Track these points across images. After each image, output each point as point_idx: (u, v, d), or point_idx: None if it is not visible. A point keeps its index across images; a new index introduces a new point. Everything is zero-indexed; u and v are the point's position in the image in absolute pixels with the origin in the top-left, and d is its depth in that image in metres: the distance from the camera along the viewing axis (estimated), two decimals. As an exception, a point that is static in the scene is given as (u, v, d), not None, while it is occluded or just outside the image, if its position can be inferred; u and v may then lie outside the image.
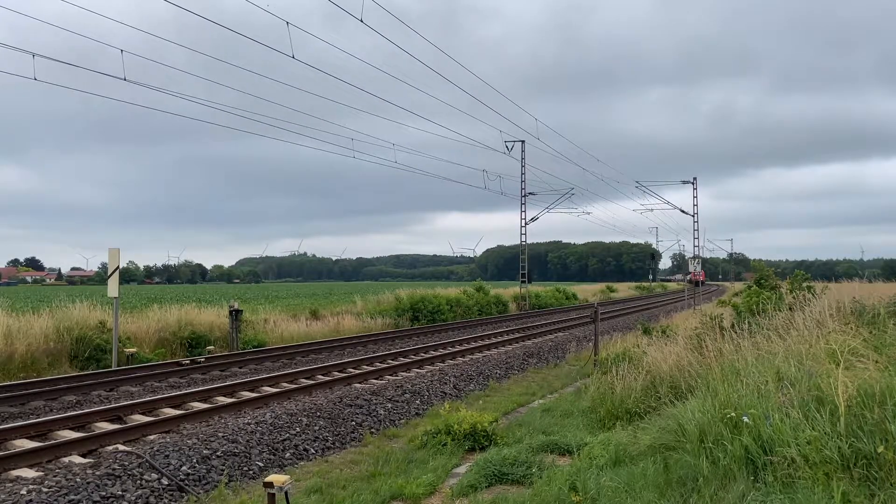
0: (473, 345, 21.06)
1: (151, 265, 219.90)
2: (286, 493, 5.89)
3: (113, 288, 16.52)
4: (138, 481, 7.56)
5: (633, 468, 6.50)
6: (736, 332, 9.80)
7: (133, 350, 17.20)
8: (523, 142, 42.42)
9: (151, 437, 9.32)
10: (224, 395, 12.50)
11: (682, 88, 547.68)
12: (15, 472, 7.72)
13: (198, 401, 11.96)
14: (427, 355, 18.35)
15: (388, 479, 7.91)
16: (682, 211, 48.18)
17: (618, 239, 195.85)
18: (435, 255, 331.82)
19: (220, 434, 9.32)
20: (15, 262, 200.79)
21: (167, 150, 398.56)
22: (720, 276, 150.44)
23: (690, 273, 47.91)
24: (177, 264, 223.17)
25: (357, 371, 15.45)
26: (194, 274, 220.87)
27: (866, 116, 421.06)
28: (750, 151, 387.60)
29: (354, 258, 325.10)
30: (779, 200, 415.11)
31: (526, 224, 43.69)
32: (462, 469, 8.25)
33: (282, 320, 25.40)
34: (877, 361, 6.53)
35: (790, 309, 10.57)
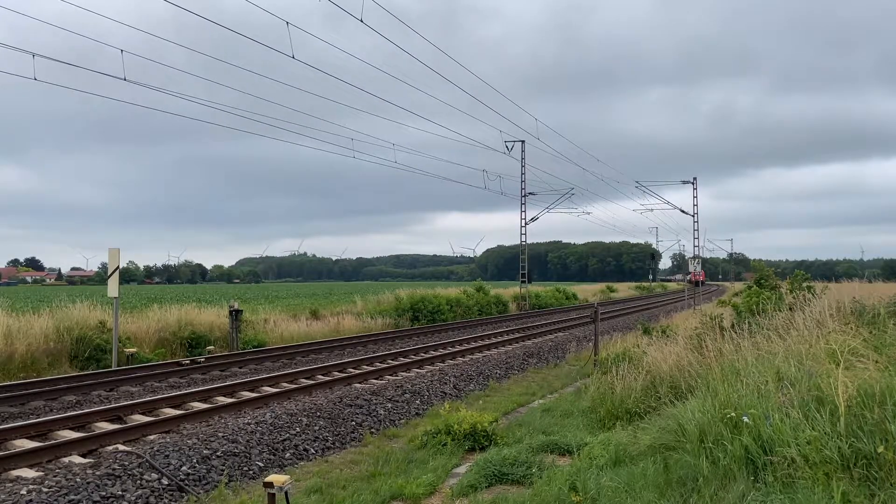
0: (473, 345, 21.06)
1: (151, 265, 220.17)
2: (286, 493, 5.89)
3: (113, 288, 16.52)
4: (138, 481, 7.57)
5: (633, 468, 6.50)
6: (736, 332, 9.81)
7: (133, 350, 17.20)
8: (523, 142, 42.45)
9: (151, 437, 9.33)
10: (224, 395, 12.50)
11: (682, 88, 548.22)
12: (15, 472, 7.72)
13: (198, 401, 11.96)
14: (427, 355, 18.35)
15: (388, 479, 7.91)
16: (682, 211, 48.22)
17: (618, 239, 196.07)
18: (435, 255, 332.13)
19: (220, 434, 9.32)
20: (15, 262, 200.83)
21: (167, 150, 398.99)
22: (720, 276, 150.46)
23: (690, 273, 47.93)
24: (177, 264, 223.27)
25: (357, 371, 15.45)
26: (194, 274, 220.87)
27: (866, 116, 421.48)
28: (750, 151, 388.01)
29: (354, 258, 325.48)
30: (779, 200, 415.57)
31: (526, 224, 43.73)
32: (462, 469, 8.25)
33: (282, 320, 25.41)
34: (877, 361, 6.53)
35: (790, 309, 10.57)
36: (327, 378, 14.35)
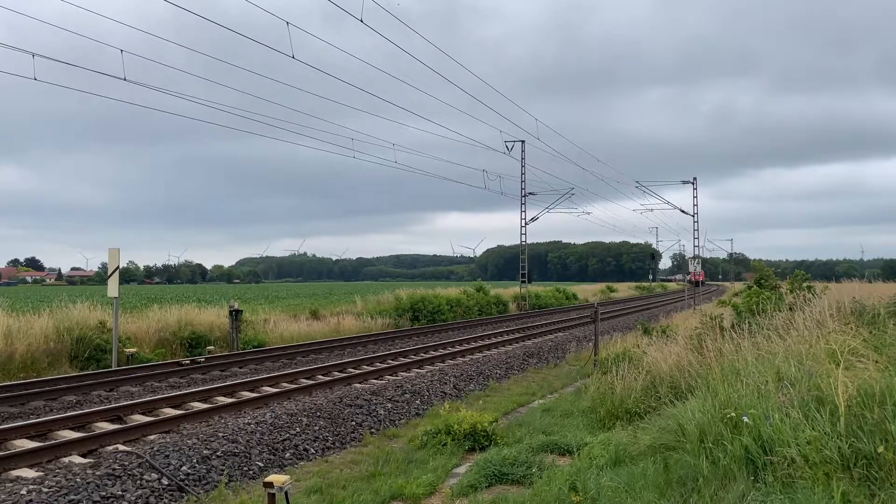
0: (473, 345, 21.06)
1: (151, 265, 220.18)
2: (286, 493, 5.89)
3: (113, 288, 16.52)
4: (138, 481, 7.57)
5: (633, 468, 6.50)
6: (736, 332, 9.80)
7: (133, 350, 17.21)
8: (523, 142, 42.46)
9: (151, 437, 9.32)
10: (224, 395, 12.50)
11: (682, 88, 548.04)
12: (15, 472, 7.72)
13: (198, 401, 11.96)
14: (427, 355, 18.35)
15: (388, 479, 7.91)
16: (682, 211, 48.22)
17: (618, 239, 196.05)
18: (435, 255, 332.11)
19: (220, 434, 9.32)
20: (15, 262, 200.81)
21: (167, 150, 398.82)
22: (720, 276, 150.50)
23: (690, 273, 47.92)
24: (177, 264, 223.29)
25: (357, 371, 15.45)
26: (194, 274, 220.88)
27: (866, 116, 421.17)
28: (750, 151, 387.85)
29: (354, 258, 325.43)
30: (779, 200, 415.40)
31: (526, 224, 43.73)
32: (462, 469, 8.25)
33: (282, 320, 25.41)
34: (877, 361, 6.53)
35: (790, 309, 10.57)
36: (327, 378, 14.35)
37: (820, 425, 5.29)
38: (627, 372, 10.45)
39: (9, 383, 13.27)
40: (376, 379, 14.71)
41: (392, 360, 17.66)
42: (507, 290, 46.58)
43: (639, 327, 20.11)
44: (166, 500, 7.45)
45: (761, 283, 15.13)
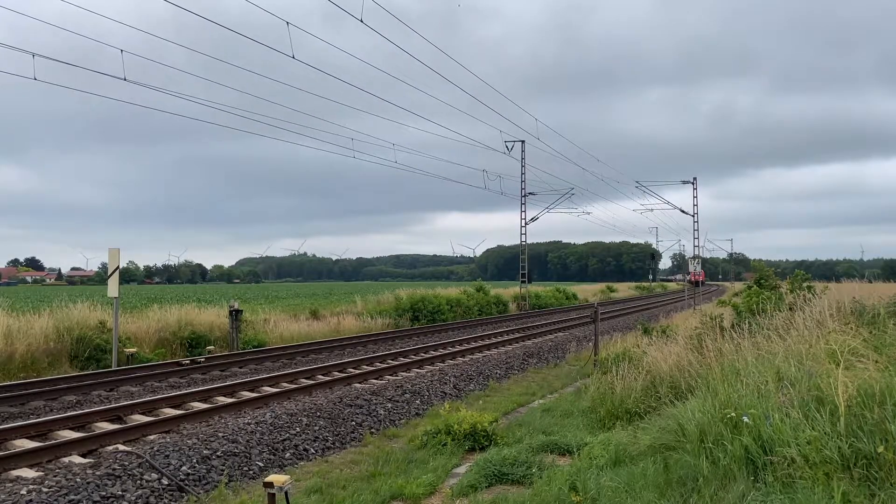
0: (473, 345, 21.06)
1: (151, 265, 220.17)
2: (286, 493, 5.89)
3: (113, 288, 16.52)
4: (138, 481, 7.57)
5: (633, 468, 6.50)
6: (736, 332, 9.80)
7: (133, 350, 17.21)
8: (523, 142, 42.46)
9: (151, 437, 9.32)
10: (224, 395, 12.50)
11: (682, 88, 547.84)
12: (15, 472, 7.72)
13: (198, 401, 11.96)
14: (427, 355, 18.35)
15: (388, 479, 7.92)
16: (682, 211, 48.19)
17: (618, 239, 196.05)
18: (435, 255, 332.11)
19: (220, 434, 9.32)
20: (15, 262, 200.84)
21: (167, 150, 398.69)
22: (720, 276, 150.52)
23: (690, 273, 47.92)
24: (177, 264, 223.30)
25: (357, 371, 15.45)
26: (194, 274, 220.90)
27: (866, 116, 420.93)
28: (750, 151, 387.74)
29: (354, 258, 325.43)
30: (779, 200, 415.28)
31: (526, 224, 43.73)
32: (462, 469, 8.25)
33: (282, 320, 25.41)
34: (877, 361, 6.53)
35: (790, 309, 10.57)
36: (327, 378, 14.35)
37: (820, 425, 5.29)
38: (627, 372, 10.45)
39: (9, 383, 13.27)
40: (376, 379, 14.71)
41: (392, 360, 17.66)
42: (507, 290, 46.58)
43: (639, 327, 20.11)
44: (166, 500, 7.45)
45: (761, 283, 15.13)
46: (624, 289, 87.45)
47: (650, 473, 6.12)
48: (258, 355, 18.18)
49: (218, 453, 8.67)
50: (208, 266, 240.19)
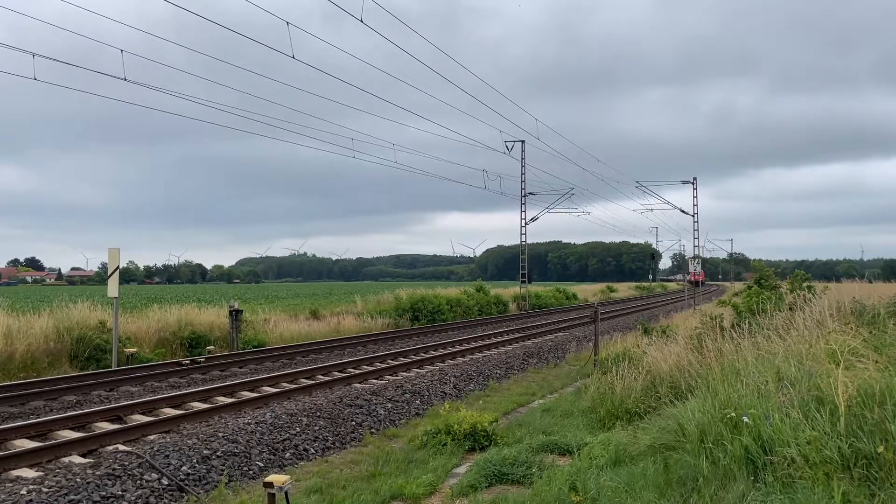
0: (473, 345, 21.06)
1: (151, 265, 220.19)
2: (286, 493, 5.89)
3: (113, 288, 16.52)
4: (138, 481, 7.57)
5: (633, 468, 6.51)
6: (736, 332, 9.80)
7: (133, 350, 17.21)
8: (523, 142, 42.45)
9: (151, 437, 9.32)
10: (224, 395, 12.50)
11: (682, 88, 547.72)
12: (15, 472, 7.72)
13: (198, 401, 11.96)
14: (427, 355, 18.35)
15: (388, 479, 7.92)
16: (682, 211, 48.17)
17: (618, 239, 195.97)
18: (435, 255, 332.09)
19: (220, 434, 9.32)
20: (15, 262, 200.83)
21: (167, 150, 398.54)
22: (720, 276, 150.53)
23: (690, 273, 47.91)
24: (177, 264, 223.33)
25: (357, 371, 15.45)
26: (194, 274, 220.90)
27: (866, 116, 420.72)
28: (750, 151, 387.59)
29: (354, 258, 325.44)
30: (779, 200, 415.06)
31: (526, 224, 43.73)
32: (462, 469, 8.25)
33: (282, 320, 25.41)
34: (877, 361, 6.53)
35: (790, 309, 10.57)
36: (327, 378, 14.35)
37: (820, 425, 5.29)
38: (627, 372, 10.45)
39: (9, 383, 13.27)
40: (376, 379, 14.71)
41: (392, 360, 17.66)
42: (507, 290, 46.57)
43: (639, 327, 20.12)
44: (166, 500, 7.45)
45: (761, 283, 15.13)
46: (624, 289, 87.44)
47: (650, 473, 6.12)
48: (258, 355, 18.18)
49: (218, 453, 8.68)
50: (208, 266, 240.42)
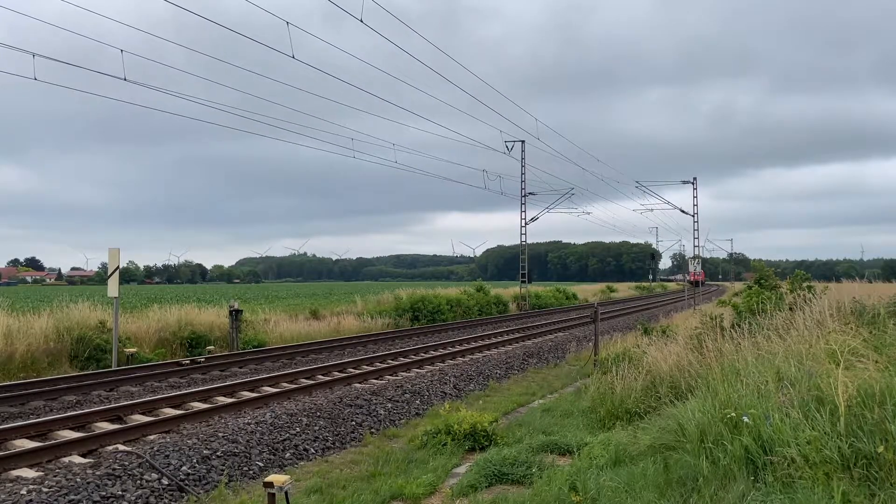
0: (473, 345, 21.06)
1: (151, 265, 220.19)
2: (286, 493, 5.89)
3: (113, 288, 16.52)
4: (138, 481, 7.57)
5: (633, 468, 6.50)
6: (736, 332, 9.80)
7: (133, 350, 17.21)
8: (523, 142, 42.45)
9: (151, 437, 9.32)
10: (224, 395, 12.50)
11: (682, 88, 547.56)
12: (15, 472, 7.72)
13: (198, 401, 11.96)
14: (427, 355, 18.35)
15: (388, 479, 7.92)
16: (682, 211, 48.17)
17: (618, 239, 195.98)
18: (435, 255, 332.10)
19: (220, 434, 9.33)
20: (15, 262, 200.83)
21: (167, 150, 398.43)
22: (720, 276, 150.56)
23: (690, 273, 47.91)
24: (177, 264, 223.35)
25: (357, 371, 15.45)
26: (194, 274, 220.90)
27: (866, 116, 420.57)
28: (750, 151, 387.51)
29: (354, 258, 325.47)
30: (779, 200, 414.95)
31: (526, 224, 43.73)
32: (462, 469, 8.25)
33: (282, 320, 25.41)
34: (877, 361, 6.53)
35: (790, 309, 10.57)
36: (327, 378, 14.35)
37: (820, 425, 5.29)
38: (627, 372, 10.45)
39: (9, 383, 13.27)
40: (376, 379, 14.71)
41: (392, 360, 17.66)
42: (507, 290, 46.57)
43: (639, 327, 20.11)
44: (166, 500, 7.45)
45: (761, 283, 15.14)
46: (624, 289, 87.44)
47: (650, 473, 6.12)
48: (258, 355, 18.18)
49: (218, 453, 8.67)
50: (208, 266, 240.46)
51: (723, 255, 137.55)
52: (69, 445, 8.57)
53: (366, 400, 12.27)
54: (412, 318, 30.41)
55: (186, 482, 7.84)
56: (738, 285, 69.72)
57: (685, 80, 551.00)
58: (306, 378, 14.55)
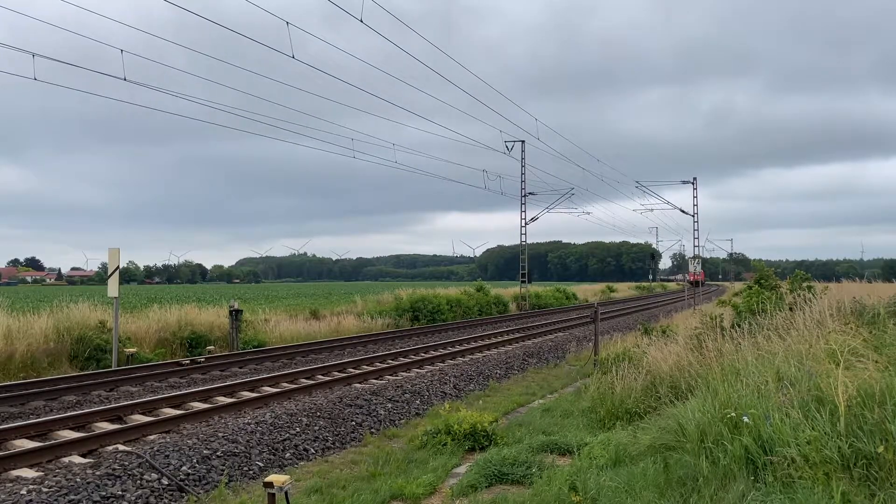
0: (473, 345, 21.06)
1: (151, 265, 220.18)
2: (286, 493, 5.89)
3: (113, 288, 16.52)
4: (138, 481, 7.57)
5: (633, 468, 6.50)
6: (736, 332, 9.80)
7: (133, 350, 17.20)
8: (523, 142, 42.46)
9: (151, 437, 9.33)
10: (224, 395, 12.50)
11: (681, 88, 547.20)
12: (15, 472, 7.72)
13: (198, 401, 11.96)
14: (427, 355, 18.35)
15: (388, 479, 7.92)
16: (682, 211, 48.17)
17: (618, 239, 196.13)
18: (435, 256, 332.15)
19: (220, 434, 9.32)
20: (15, 262, 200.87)
21: (167, 150, 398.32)
22: (720, 276, 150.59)
23: (689, 273, 47.91)
24: (177, 264, 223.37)
25: (357, 371, 15.45)
26: (194, 274, 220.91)
27: (866, 116, 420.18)
28: (749, 151, 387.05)
29: (354, 258, 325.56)
30: (779, 200, 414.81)
31: (526, 224, 43.73)
32: (462, 469, 8.25)
33: (282, 320, 25.41)
34: (877, 361, 6.53)
35: (790, 309, 10.56)
36: (327, 378, 14.35)
37: (820, 425, 5.29)
38: (627, 372, 10.46)
39: (9, 383, 13.27)
40: (376, 379, 14.71)
41: (392, 360, 17.66)
42: (507, 290, 46.58)
43: (639, 327, 20.11)
44: (166, 500, 7.45)
45: (761, 283, 15.12)
46: (624, 289, 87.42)
47: (650, 473, 6.12)
48: (258, 355, 18.18)
49: (218, 453, 8.67)
50: (208, 266, 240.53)
51: (723, 255, 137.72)
52: (69, 445, 8.57)
53: (366, 400, 12.27)
54: (412, 318, 30.41)
55: (186, 482, 7.84)
56: (738, 285, 69.65)
57: (685, 80, 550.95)
58: (306, 378, 14.55)
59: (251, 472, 8.59)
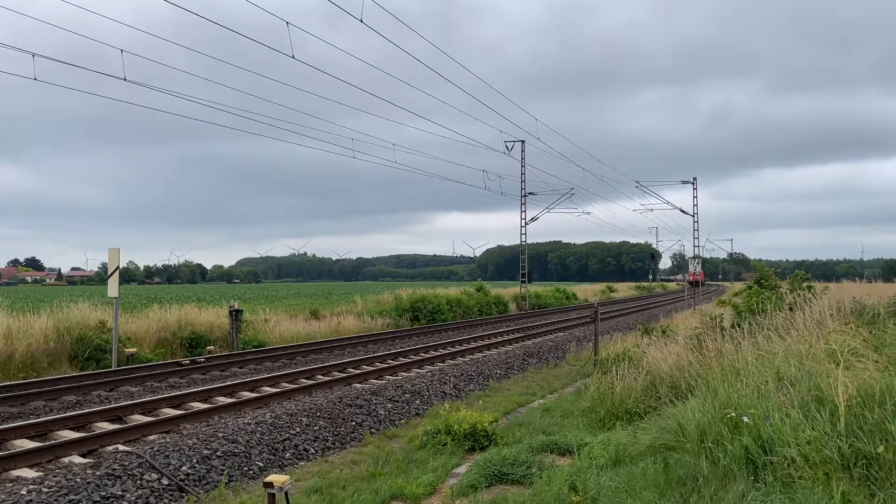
0: (473, 345, 21.06)
1: (151, 265, 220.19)
2: (286, 493, 5.89)
3: (113, 288, 16.52)
4: (138, 481, 7.56)
5: (633, 468, 6.50)
6: (736, 332, 9.80)
7: (133, 350, 17.20)
8: (523, 142, 42.47)
9: (151, 437, 9.33)
10: (224, 395, 12.50)
11: (681, 88, 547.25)
12: (15, 472, 7.72)
13: (198, 401, 11.96)
14: (427, 355, 18.35)
15: (388, 479, 7.91)
16: (682, 211, 48.18)
17: (618, 239, 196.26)
18: (435, 256, 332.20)
19: (220, 434, 9.32)
20: (15, 262, 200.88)
21: (167, 150, 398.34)
22: (720, 276, 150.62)
23: (689, 273, 47.90)
24: (177, 264, 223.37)
25: (357, 371, 15.45)
26: (194, 274, 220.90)
27: (866, 116, 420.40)
28: (749, 151, 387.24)
29: (354, 258, 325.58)
30: (779, 200, 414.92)
31: (526, 224, 43.73)
32: (462, 469, 8.25)
33: (282, 320, 25.41)
34: (877, 361, 6.53)
35: (790, 309, 10.56)
36: (327, 378, 14.35)
37: (820, 425, 5.29)
38: (627, 372, 10.46)
39: (9, 383, 13.27)
40: (376, 379, 14.71)
41: (392, 360, 17.66)
42: (507, 290, 46.58)
43: (639, 327, 20.09)
44: (166, 500, 7.45)
45: (761, 283, 15.12)
46: (624, 289, 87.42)
47: (650, 473, 6.12)
48: (258, 355, 18.18)
49: (218, 453, 8.67)
50: (208, 266, 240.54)
51: (723, 255, 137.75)
52: (69, 445, 8.57)
53: (366, 400, 12.27)
54: (412, 318, 30.41)
55: (186, 482, 7.84)
56: (738, 285, 69.64)
57: (685, 80, 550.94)
58: (306, 378, 14.55)
59: (251, 472, 8.59)
